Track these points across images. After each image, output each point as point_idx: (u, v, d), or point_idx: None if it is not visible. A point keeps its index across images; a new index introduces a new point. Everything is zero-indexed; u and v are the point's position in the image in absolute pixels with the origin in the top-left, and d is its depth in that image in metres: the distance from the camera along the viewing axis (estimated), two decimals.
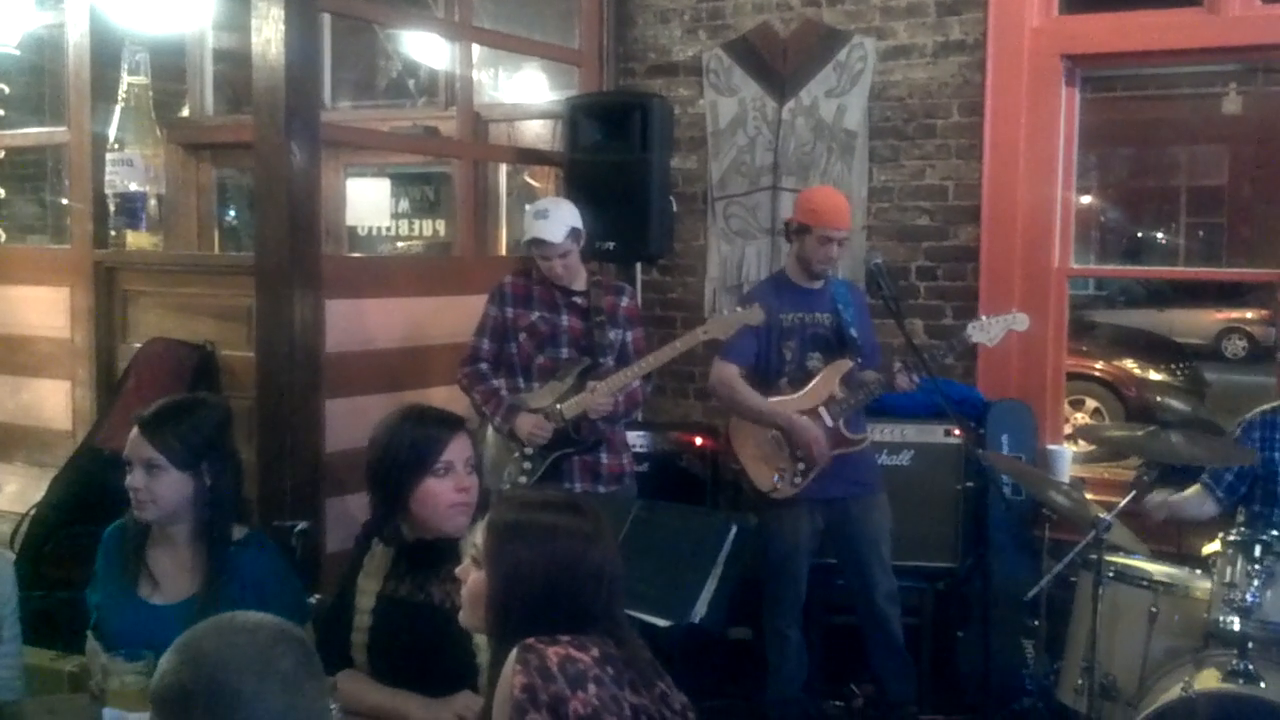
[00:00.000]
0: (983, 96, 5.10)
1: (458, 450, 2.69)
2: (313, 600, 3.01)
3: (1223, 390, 11.04)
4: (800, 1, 5.48)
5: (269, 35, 4.16)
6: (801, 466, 4.27)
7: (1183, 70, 9.12)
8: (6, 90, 6.47)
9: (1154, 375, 10.19)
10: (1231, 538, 3.51)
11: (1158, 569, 3.86)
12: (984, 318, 4.33)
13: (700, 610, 3.30)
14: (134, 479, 2.79)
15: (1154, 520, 4.11)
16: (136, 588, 2.84)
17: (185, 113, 6.91)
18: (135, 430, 2.81)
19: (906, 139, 5.28)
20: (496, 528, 2.09)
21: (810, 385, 4.31)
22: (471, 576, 2.13)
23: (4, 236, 6.53)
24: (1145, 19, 4.96)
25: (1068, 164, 5.14)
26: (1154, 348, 11.31)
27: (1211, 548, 3.73)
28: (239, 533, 2.89)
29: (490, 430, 4.29)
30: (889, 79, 5.30)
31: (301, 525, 3.57)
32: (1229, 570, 3.44)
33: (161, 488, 2.78)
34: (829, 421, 4.27)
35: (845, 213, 4.36)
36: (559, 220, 4.23)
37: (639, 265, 5.60)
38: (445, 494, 2.66)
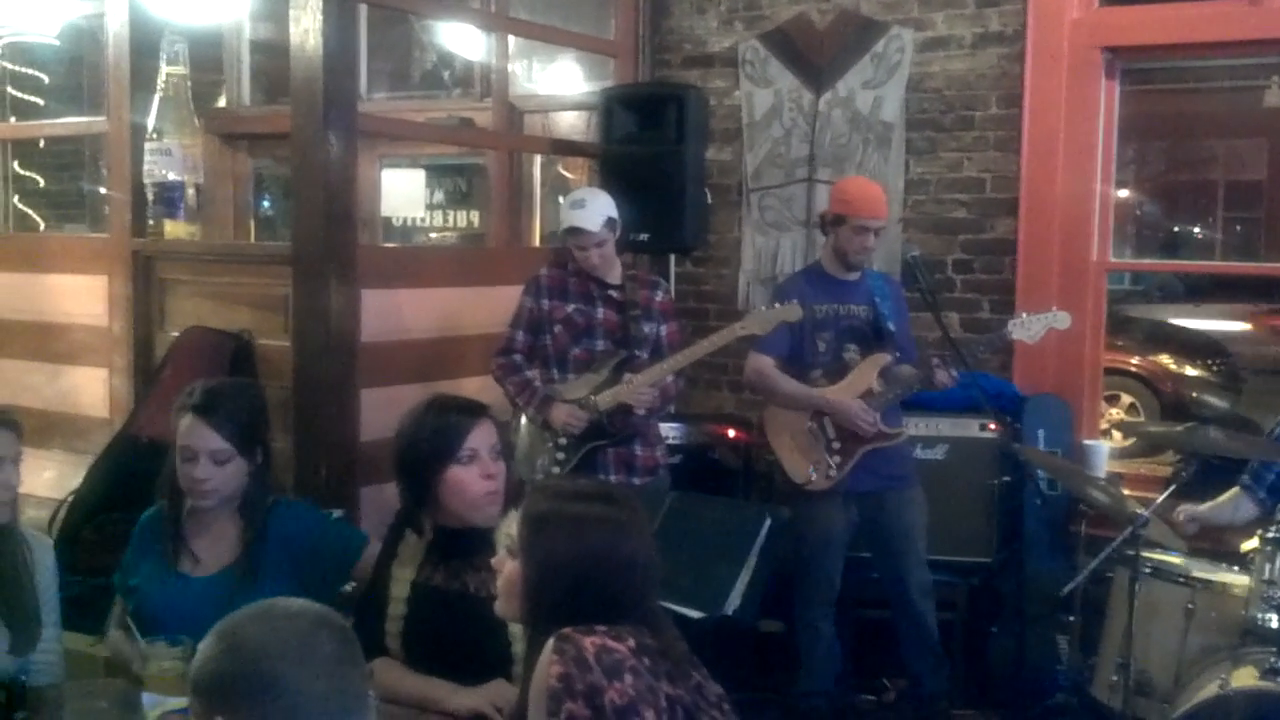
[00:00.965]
0: (1021, 88, 5.05)
1: (481, 437, 2.70)
2: (348, 588, 3.03)
3: (1260, 387, 10.92)
4: None
5: (307, 26, 4.17)
6: (837, 459, 4.26)
7: (1223, 63, 9.01)
8: (46, 80, 6.53)
9: (1190, 371, 10.08)
10: (1271, 534, 3.47)
11: (1195, 565, 3.83)
12: (1025, 315, 4.30)
13: (733, 602, 3.31)
14: (201, 470, 2.82)
15: (1184, 534, 4.04)
16: (177, 566, 2.88)
17: (222, 103, 6.94)
18: (193, 420, 2.83)
19: (944, 131, 5.25)
20: (530, 518, 2.09)
21: (847, 378, 4.29)
22: (507, 566, 2.14)
23: (43, 225, 6.59)
24: (1187, 11, 4.90)
25: (1106, 157, 5.09)
26: (1190, 342, 11.20)
27: (1250, 544, 3.70)
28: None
29: (524, 420, 4.30)
30: (926, 70, 5.26)
31: (336, 514, 3.61)
32: (1268, 567, 3.41)
33: (227, 475, 2.84)
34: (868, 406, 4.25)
35: (881, 202, 4.33)
36: (596, 210, 4.23)
37: (673, 257, 5.59)
38: (472, 481, 2.66)
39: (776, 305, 4.16)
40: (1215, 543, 4.19)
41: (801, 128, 5.54)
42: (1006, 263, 5.13)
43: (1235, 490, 4.05)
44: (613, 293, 4.31)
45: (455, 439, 2.67)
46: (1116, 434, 5.92)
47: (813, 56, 5.50)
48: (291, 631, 1.64)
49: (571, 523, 2.07)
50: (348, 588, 3.03)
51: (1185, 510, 4.07)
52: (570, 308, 4.32)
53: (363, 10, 5.56)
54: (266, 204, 7.78)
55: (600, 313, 4.30)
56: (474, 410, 2.76)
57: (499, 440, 2.77)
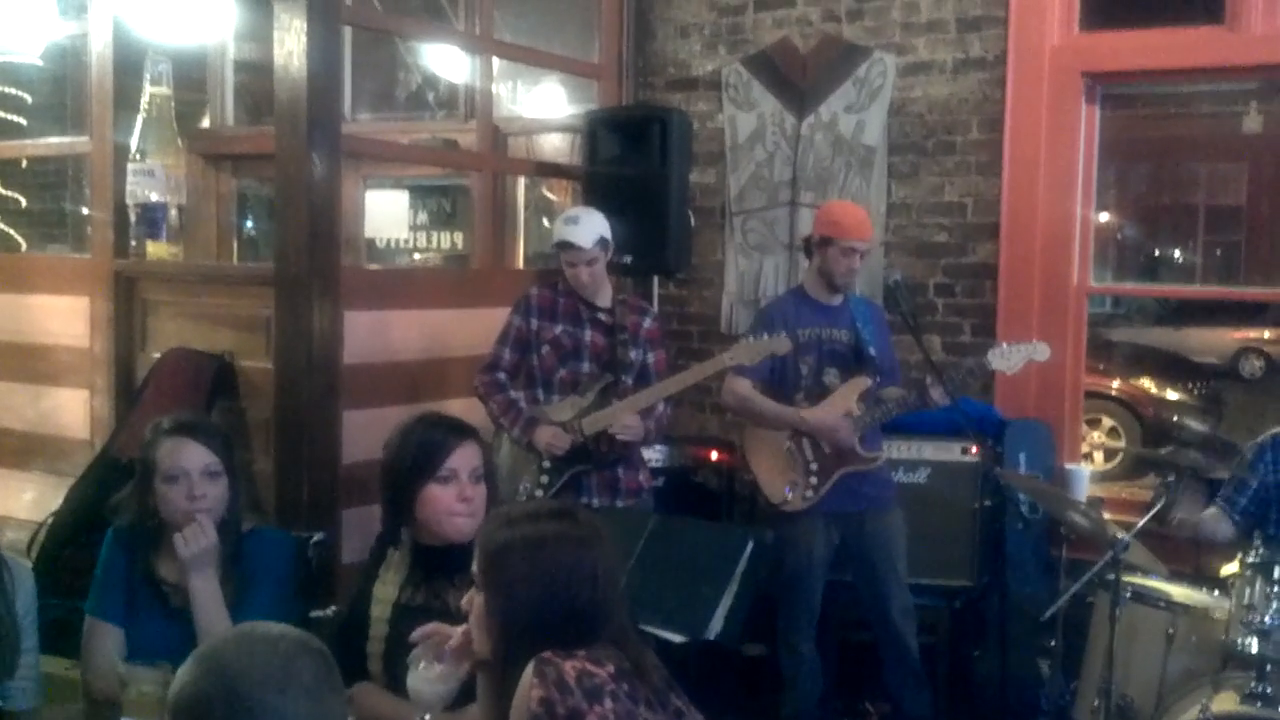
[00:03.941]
0: (1002, 113, 5.09)
1: (463, 458, 2.71)
2: (329, 612, 3.03)
3: (1240, 410, 10.98)
4: (820, 17, 5.48)
5: (291, 47, 4.18)
6: (814, 480, 4.27)
7: (1203, 88, 9.09)
8: (29, 100, 6.51)
9: (1171, 395, 10.14)
10: (1250, 559, 3.48)
11: (1176, 590, 3.84)
12: (1004, 345, 4.31)
13: (716, 625, 3.29)
14: (196, 488, 2.84)
15: (1179, 536, 4.06)
16: (157, 591, 2.87)
17: (206, 123, 6.94)
18: (178, 440, 2.88)
19: (926, 155, 5.28)
20: (486, 549, 2.09)
21: (827, 400, 4.31)
22: (475, 602, 2.12)
23: (25, 245, 6.57)
24: (1166, 37, 4.95)
25: (1087, 181, 5.13)
26: (1171, 367, 11.27)
27: (1230, 569, 3.71)
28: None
29: (507, 441, 4.29)
30: (908, 95, 5.29)
31: (318, 536, 3.60)
32: (1248, 592, 3.42)
33: (220, 491, 2.88)
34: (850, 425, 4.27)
35: (867, 224, 4.36)
36: (589, 227, 4.24)
37: (656, 279, 5.60)
38: (446, 500, 2.67)
39: (765, 336, 4.15)
40: (1195, 567, 4.21)
41: (784, 151, 5.56)
42: (988, 286, 5.15)
43: (1214, 508, 4.07)
44: (601, 316, 4.32)
45: (436, 456, 2.69)
46: (1098, 456, 5.93)
47: (795, 80, 5.53)
48: (272, 656, 1.64)
49: (529, 546, 2.06)
50: (328, 611, 3.04)
51: (1180, 513, 4.08)
52: (558, 329, 4.32)
53: (347, 31, 5.57)
54: (250, 224, 7.77)
55: (588, 335, 4.31)
56: (459, 431, 2.77)
57: (482, 464, 2.77)
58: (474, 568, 2.12)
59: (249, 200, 7.52)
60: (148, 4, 4.87)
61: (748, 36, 5.66)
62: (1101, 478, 5.16)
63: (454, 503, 2.67)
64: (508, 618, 2.03)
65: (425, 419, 2.80)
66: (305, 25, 4.15)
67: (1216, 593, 3.79)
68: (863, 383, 4.31)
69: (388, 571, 2.77)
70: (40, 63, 6.20)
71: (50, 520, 4.33)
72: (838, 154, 5.43)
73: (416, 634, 2.33)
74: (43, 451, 4.98)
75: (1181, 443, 4.03)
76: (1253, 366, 14.78)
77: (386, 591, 2.75)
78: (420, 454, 2.70)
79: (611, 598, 2.07)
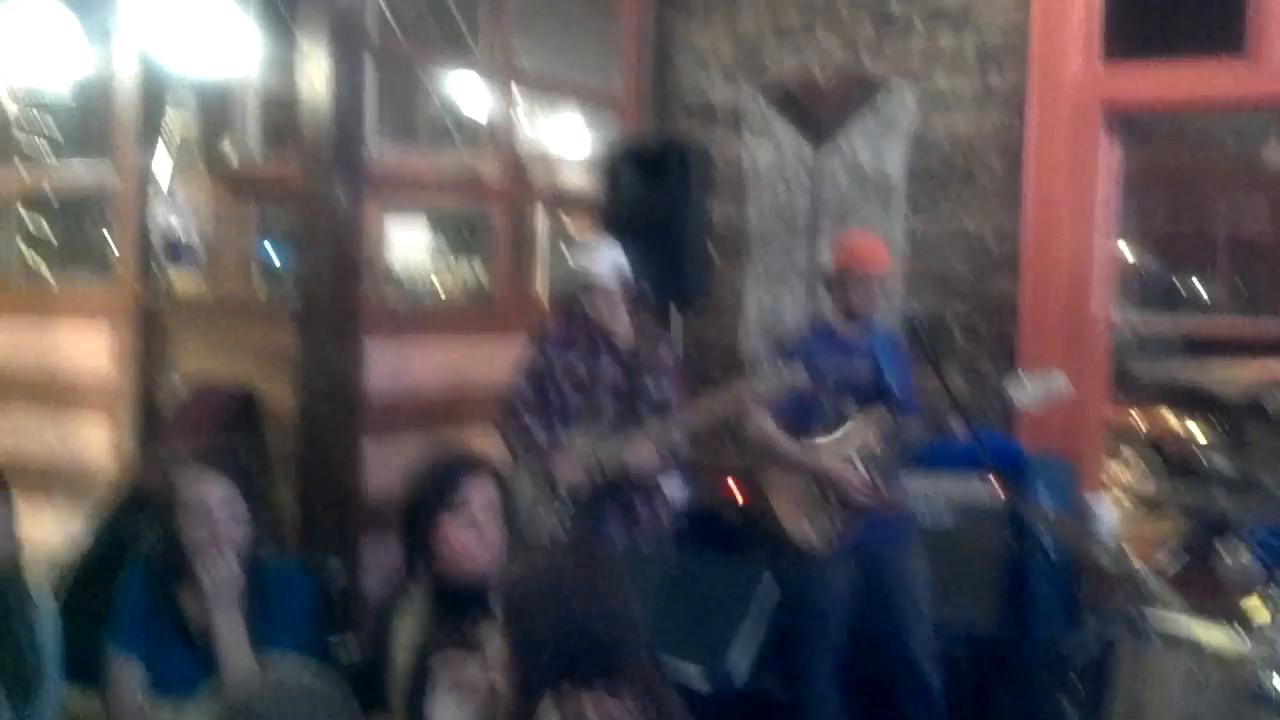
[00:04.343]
0: (1022, 145, 5.09)
1: (475, 491, 2.72)
2: (347, 638, 3.03)
3: (1263, 443, 10.89)
4: (839, 48, 5.50)
5: (315, 78, 4.22)
6: (838, 521, 4.25)
7: (1224, 119, 9.06)
8: (55, 128, 6.57)
9: (1194, 427, 10.06)
10: (1274, 597, 3.45)
11: (1200, 629, 3.80)
12: (1021, 375, 4.29)
13: (735, 662, 3.28)
14: (218, 522, 2.87)
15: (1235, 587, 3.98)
16: (179, 624, 2.88)
17: (229, 153, 6.98)
18: (205, 473, 2.89)
19: (945, 186, 5.28)
20: (507, 589, 2.09)
21: (843, 432, 4.29)
22: (495, 642, 2.12)
23: (49, 273, 6.61)
24: (1187, 69, 4.95)
25: (1109, 214, 5.12)
26: (1193, 399, 11.19)
27: (1254, 606, 3.67)
28: None
29: (526, 474, 4.29)
30: (928, 127, 5.30)
31: (336, 561, 3.61)
32: (1275, 634, 3.38)
33: (240, 525, 2.90)
34: (862, 472, 4.24)
35: (882, 253, 4.35)
36: (607, 259, 4.24)
37: (675, 309, 5.59)
38: (458, 533, 2.68)
39: (783, 368, 4.15)
40: (1220, 605, 4.17)
41: (803, 181, 5.57)
42: (1008, 319, 5.14)
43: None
44: (619, 347, 4.31)
45: (448, 486, 2.71)
46: (1118, 493, 5.90)
47: (814, 111, 5.54)
48: (305, 709, 1.64)
49: (543, 587, 2.06)
50: (347, 637, 3.04)
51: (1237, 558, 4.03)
52: (576, 360, 4.31)
53: (369, 61, 5.60)
54: (272, 255, 7.80)
55: (606, 367, 4.30)
56: (474, 464, 2.78)
57: (498, 498, 2.77)
58: (495, 607, 2.12)
59: (272, 230, 7.55)
60: (173, 35, 4.92)
61: (766, 67, 5.68)
62: (1125, 513, 5.13)
63: (464, 534, 2.68)
64: (528, 657, 2.03)
65: (440, 452, 2.82)
66: (329, 56, 4.18)
67: (1242, 631, 3.75)
68: (881, 416, 4.30)
69: (410, 608, 2.77)
70: (66, 92, 6.25)
71: (72, 549, 4.35)
72: (856, 184, 5.44)
73: (439, 671, 2.33)
74: (64, 480, 5.00)
75: (1206, 479, 3.99)
76: (1277, 400, 14.66)
77: (408, 628, 2.74)
78: (432, 485, 2.72)
79: (632, 637, 2.07)
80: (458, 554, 2.68)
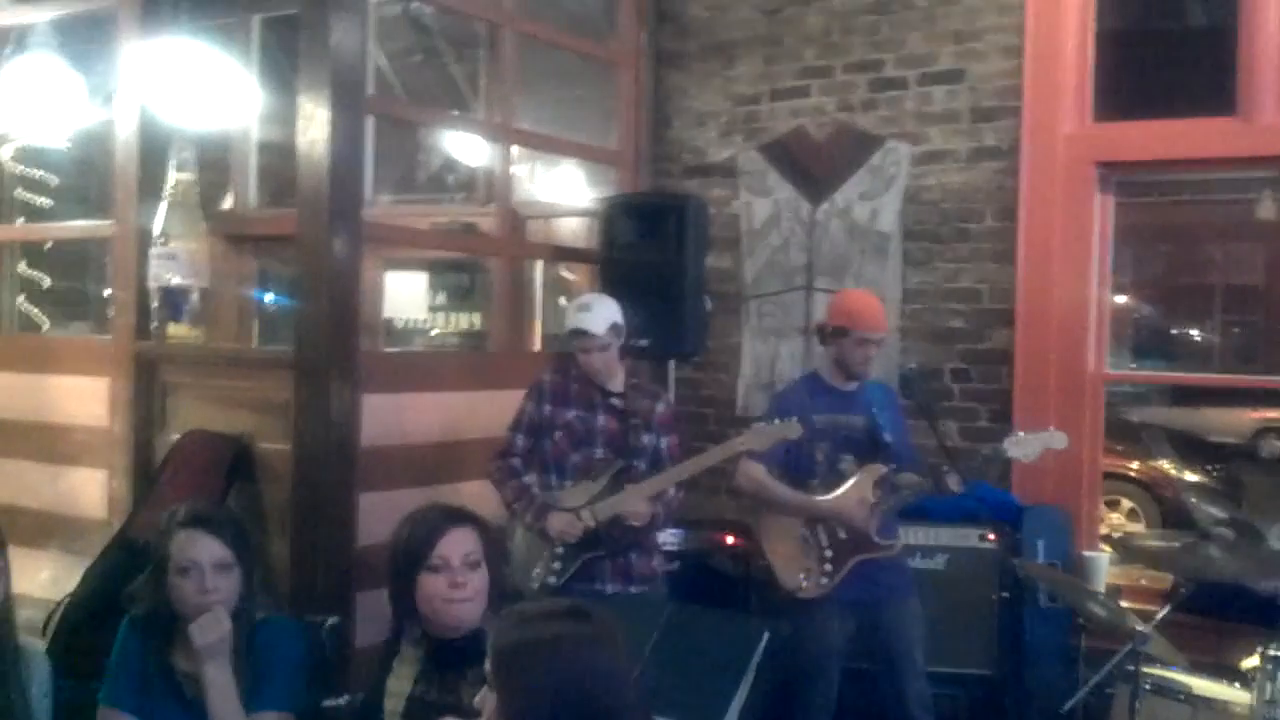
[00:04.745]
0: (1016, 201, 5.13)
1: (453, 545, 2.73)
2: (341, 701, 3.02)
3: (1257, 489, 10.89)
4: (834, 106, 5.56)
5: (314, 136, 4.25)
6: (829, 568, 4.25)
7: (1216, 177, 9.13)
8: (55, 183, 6.61)
9: (1189, 476, 10.07)
10: (1271, 652, 3.45)
11: (1196, 682, 3.78)
12: (1021, 434, 4.30)
13: (731, 718, 3.26)
14: (208, 581, 2.87)
15: None
16: (171, 680, 2.87)
17: (228, 205, 7.02)
18: (190, 533, 2.89)
19: (940, 242, 5.32)
20: (499, 649, 2.07)
21: (843, 488, 4.29)
22: (488, 705, 2.11)
23: (48, 325, 6.62)
24: (1179, 128, 5.00)
25: (1103, 269, 5.15)
26: (1189, 447, 11.21)
27: (1251, 662, 3.66)
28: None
29: (520, 527, 4.29)
30: (923, 183, 5.35)
31: (332, 620, 3.60)
32: (1269, 686, 3.38)
33: (232, 584, 2.87)
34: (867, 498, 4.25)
35: (882, 315, 4.39)
36: (602, 314, 4.26)
37: (672, 362, 5.62)
38: (439, 589, 2.69)
39: (777, 421, 4.16)
40: (1216, 658, 4.16)
41: (799, 237, 5.62)
42: (1004, 373, 5.16)
43: None
44: (614, 401, 4.32)
45: (424, 547, 2.72)
46: (1115, 543, 5.89)
47: (811, 168, 5.59)
48: None
49: (543, 647, 2.03)
50: (341, 700, 3.02)
51: None
52: (571, 414, 4.32)
53: (369, 119, 5.66)
54: (270, 306, 7.83)
55: (601, 420, 4.31)
56: (450, 518, 2.79)
57: (479, 548, 2.78)
58: (487, 667, 2.10)
59: (270, 281, 7.58)
60: (174, 91, 4.96)
61: (763, 125, 5.74)
62: (1121, 562, 5.11)
63: (446, 589, 2.69)
64: (521, 718, 2.02)
65: (419, 510, 2.84)
66: (329, 115, 4.22)
67: (1238, 685, 3.74)
68: (879, 469, 4.30)
69: (401, 664, 2.77)
70: (67, 147, 6.29)
71: (66, 601, 4.33)
72: (852, 240, 5.48)
73: None
74: (60, 531, 4.99)
75: (1202, 534, 3.98)
76: (1272, 447, 14.66)
77: (400, 685, 2.74)
78: (410, 546, 2.74)
79: (627, 698, 2.06)
80: (441, 613, 2.70)
